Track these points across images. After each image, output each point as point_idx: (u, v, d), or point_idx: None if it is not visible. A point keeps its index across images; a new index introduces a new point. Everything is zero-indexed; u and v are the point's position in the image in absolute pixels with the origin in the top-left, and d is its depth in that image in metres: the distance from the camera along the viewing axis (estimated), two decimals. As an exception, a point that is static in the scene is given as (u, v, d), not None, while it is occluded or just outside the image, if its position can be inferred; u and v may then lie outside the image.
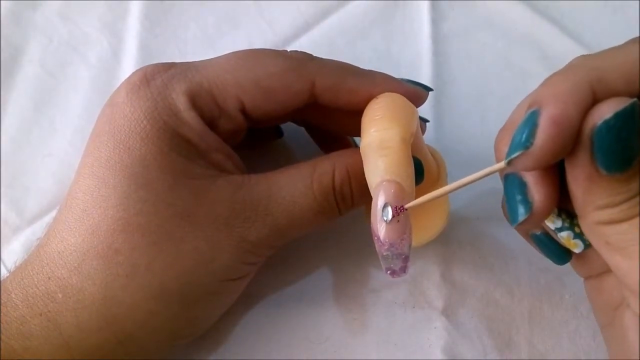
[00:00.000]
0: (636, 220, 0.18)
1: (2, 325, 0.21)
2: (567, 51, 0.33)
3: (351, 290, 0.28)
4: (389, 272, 0.22)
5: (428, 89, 0.26)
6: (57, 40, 0.34)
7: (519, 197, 0.20)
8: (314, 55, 0.25)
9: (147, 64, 0.33)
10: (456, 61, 0.33)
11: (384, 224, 0.21)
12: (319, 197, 0.24)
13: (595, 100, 0.17)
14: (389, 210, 0.20)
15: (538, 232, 0.22)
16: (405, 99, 0.24)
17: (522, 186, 0.19)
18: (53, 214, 0.30)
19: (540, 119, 0.17)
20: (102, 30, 0.35)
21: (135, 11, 0.35)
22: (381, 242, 0.21)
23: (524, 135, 0.17)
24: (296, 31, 0.34)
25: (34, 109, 0.33)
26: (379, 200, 0.21)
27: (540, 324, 0.27)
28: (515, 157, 0.18)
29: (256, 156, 0.28)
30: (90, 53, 0.34)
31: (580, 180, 0.18)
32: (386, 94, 0.24)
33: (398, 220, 0.20)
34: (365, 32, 0.34)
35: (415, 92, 0.25)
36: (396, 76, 0.25)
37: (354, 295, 0.28)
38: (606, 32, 0.34)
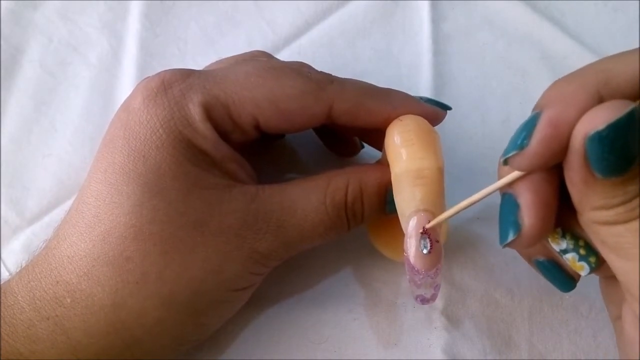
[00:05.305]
0: (634, 224, 0.17)
1: (9, 328, 0.21)
2: (567, 51, 0.33)
3: (351, 290, 0.28)
4: (419, 299, 0.23)
5: (447, 108, 0.26)
6: (57, 40, 0.34)
7: (510, 218, 0.19)
8: (333, 75, 0.25)
9: (147, 64, 0.33)
10: (456, 61, 0.33)
11: (420, 254, 0.21)
12: (331, 213, 0.24)
13: (601, 102, 0.17)
14: (428, 241, 0.21)
15: (541, 259, 0.22)
16: (428, 123, 0.24)
17: (515, 207, 0.19)
18: (53, 214, 0.30)
19: (539, 120, 0.17)
20: (102, 30, 0.35)
21: (135, 11, 0.35)
22: (416, 271, 0.21)
23: (522, 135, 0.17)
24: (296, 31, 0.34)
25: (34, 109, 0.33)
26: (416, 230, 0.21)
27: (540, 324, 0.27)
28: (511, 157, 0.18)
29: (258, 155, 0.28)
30: (90, 53, 0.34)
31: (576, 182, 0.17)
32: (409, 116, 0.24)
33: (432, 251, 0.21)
34: (365, 32, 0.34)
35: (434, 112, 0.25)
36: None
37: (354, 295, 0.28)
38: (606, 32, 0.33)
